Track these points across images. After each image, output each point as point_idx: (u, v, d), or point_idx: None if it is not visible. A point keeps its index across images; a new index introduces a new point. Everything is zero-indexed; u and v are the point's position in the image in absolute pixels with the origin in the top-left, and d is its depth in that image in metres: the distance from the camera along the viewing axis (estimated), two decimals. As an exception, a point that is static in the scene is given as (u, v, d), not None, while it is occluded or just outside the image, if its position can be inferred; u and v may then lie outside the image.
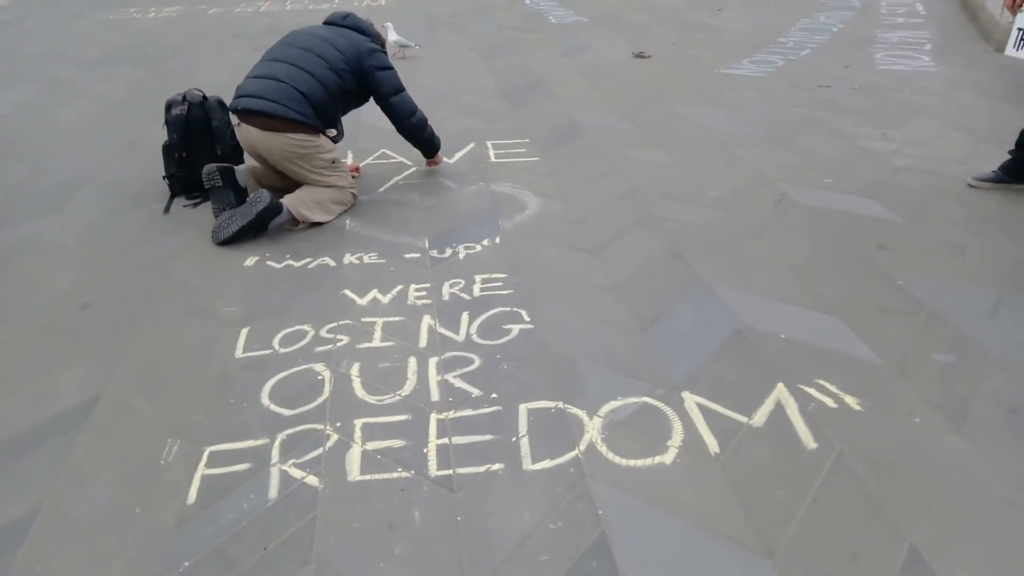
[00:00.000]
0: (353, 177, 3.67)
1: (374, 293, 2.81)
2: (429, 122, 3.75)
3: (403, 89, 3.57)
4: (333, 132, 3.58)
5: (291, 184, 3.45)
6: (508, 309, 2.67)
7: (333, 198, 3.43)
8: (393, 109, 3.57)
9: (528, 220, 3.40)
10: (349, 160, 4.09)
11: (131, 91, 5.80)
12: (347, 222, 3.43)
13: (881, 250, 3.02)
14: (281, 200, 3.28)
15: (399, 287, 2.85)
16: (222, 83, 4.57)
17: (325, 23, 3.60)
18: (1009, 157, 3.52)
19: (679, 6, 8.83)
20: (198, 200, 3.65)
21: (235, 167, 3.38)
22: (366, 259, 3.08)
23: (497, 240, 3.22)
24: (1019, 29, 3.47)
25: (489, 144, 4.37)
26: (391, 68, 3.54)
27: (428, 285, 2.85)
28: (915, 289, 2.72)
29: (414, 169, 4.02)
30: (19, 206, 3.74)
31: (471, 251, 3.13)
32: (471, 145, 4.35)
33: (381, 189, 3.80)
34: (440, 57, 6.62)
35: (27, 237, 3.40)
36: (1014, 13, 3.48)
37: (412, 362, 2.39)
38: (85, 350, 2.52)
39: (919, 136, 4.30)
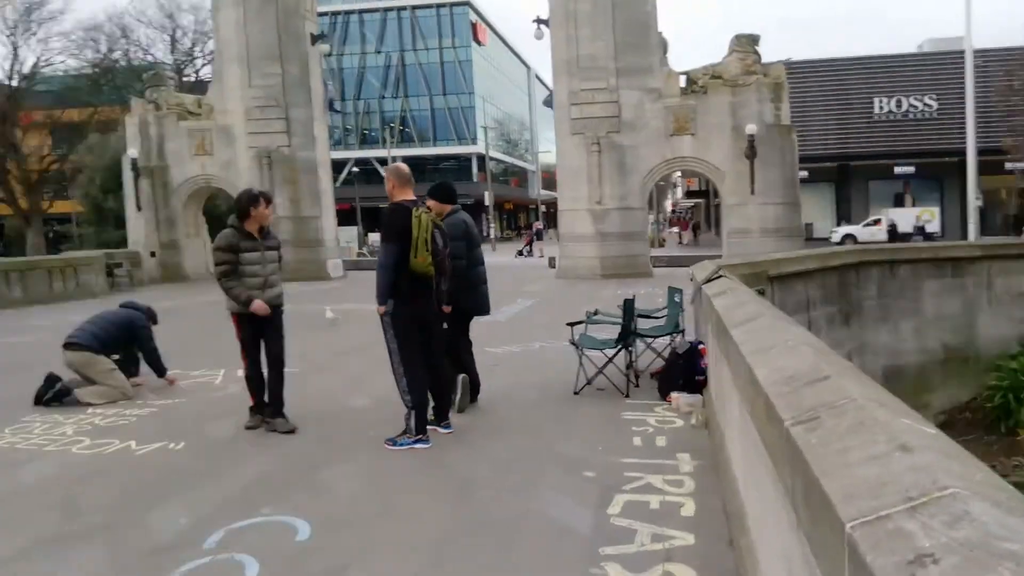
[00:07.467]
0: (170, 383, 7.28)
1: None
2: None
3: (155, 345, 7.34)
4: (116, 356, 6.98)
5: None
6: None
7: (104, 393, 6.73)
8: (145, 348, 7.32)
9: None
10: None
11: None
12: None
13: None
14: (75, 390, 6.70)
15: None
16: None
17: (120, 305, 7.50)
18: None
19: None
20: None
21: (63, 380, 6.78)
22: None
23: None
24: None
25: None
26: (148, 330, 7.27)
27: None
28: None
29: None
30: None
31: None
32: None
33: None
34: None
35: None
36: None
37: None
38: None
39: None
